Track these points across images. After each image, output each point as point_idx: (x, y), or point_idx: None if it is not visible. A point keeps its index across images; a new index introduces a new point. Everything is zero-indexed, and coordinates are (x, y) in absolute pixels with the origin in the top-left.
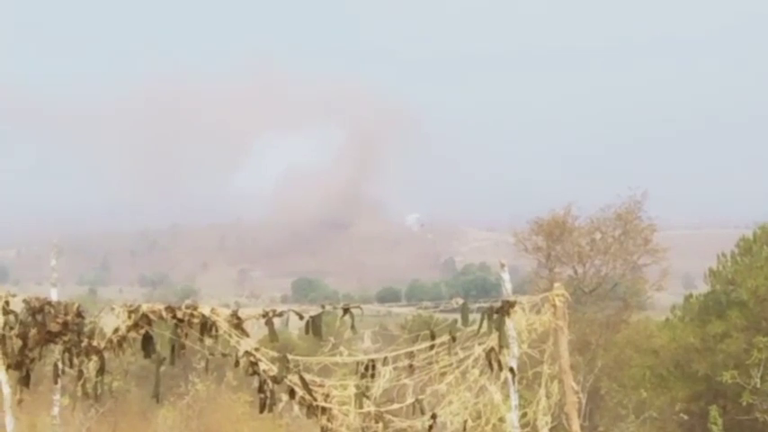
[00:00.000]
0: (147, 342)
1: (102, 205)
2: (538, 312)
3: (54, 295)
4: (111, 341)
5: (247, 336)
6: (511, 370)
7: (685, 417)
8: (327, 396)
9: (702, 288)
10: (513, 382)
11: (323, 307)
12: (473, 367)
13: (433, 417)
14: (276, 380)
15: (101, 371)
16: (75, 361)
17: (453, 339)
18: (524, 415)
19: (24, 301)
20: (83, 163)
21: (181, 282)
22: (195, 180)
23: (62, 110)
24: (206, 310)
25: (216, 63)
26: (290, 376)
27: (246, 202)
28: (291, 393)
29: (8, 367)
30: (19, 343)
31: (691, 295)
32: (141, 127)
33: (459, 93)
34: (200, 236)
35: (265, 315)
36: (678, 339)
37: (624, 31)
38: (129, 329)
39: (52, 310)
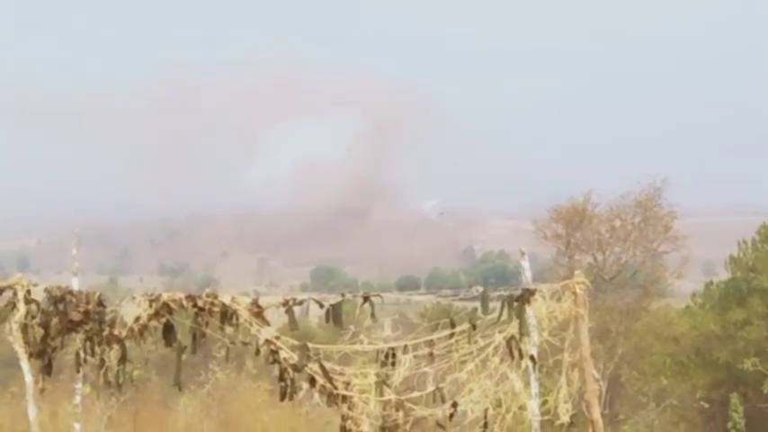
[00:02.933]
0: (168, 331)
1: (120, 195)
2: (558, 300)
3: (75, 284)
4: (132, 330)
5: (268, 324)
6: (531, 358)
7: (706, 404)
8: (348, 384)
9: (723, 275)
10: (534, 370)
11: (343, 295)
12: (493, 355)
13: (454, 405)
14: (297, 368)
15: (122, 359)
16: (97, 350)
17: (473, 327)
18: (545, 403)
19: (46, 290)
20: (101, 154)
21: (200, 271)
22: (213, 170)
23: (81, 102)
24: (226, 299)
25: (232, 53)
26: (310, 365)
27: (264, 192)
28: (312, 382)
29: (30, 356)
30: (41, 332)
31: (711, 282)
32: (159, 118)
33: (478, 79)
34: (219, 225)
35: (286, 303)
36: (699, 327)
37: (639, 16)
38: (150, 318)
39: (74, 299)
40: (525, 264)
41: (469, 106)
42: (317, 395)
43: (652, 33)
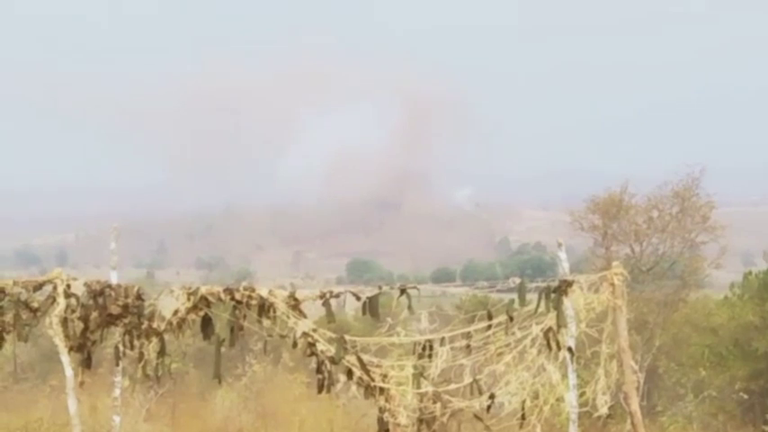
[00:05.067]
0: (207, 324)
1: (157, 190)
2: (596, 291)
3: (114, 278)
4: (170, 323)
5: (305, 317)
6: (569, 349)
7: (745, 395)
8: (385, 376)
9: (762, 265)
10: (572, 362)
11: (380, 288)
12: (531, 347)
13: (491, 397)
14: (334, 360)
15: (161, 353)
16: (136, 343)
17: (511, 319)
18: (583, 394)
19: (85, 284)
20: (136, 148)
21: (236, 264)
22: (248, 163)
23: (116, 96)
24: (264, 292)
25: (266, 45)
26: (347, 357)
27: (299, 184)
28: (349, 374)
29: (70, 349)
30: (80, 325)
31: (750, 273)
32: (194, 111)
33: (511, 69)
34: (255, 218)
35: (323, 296)
36: (737, 317)
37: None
38: (188, 311)
39: (113, 293)
40: (563, 255)
41: (505, 97)
42: (354, 387)
43: (684, 19)
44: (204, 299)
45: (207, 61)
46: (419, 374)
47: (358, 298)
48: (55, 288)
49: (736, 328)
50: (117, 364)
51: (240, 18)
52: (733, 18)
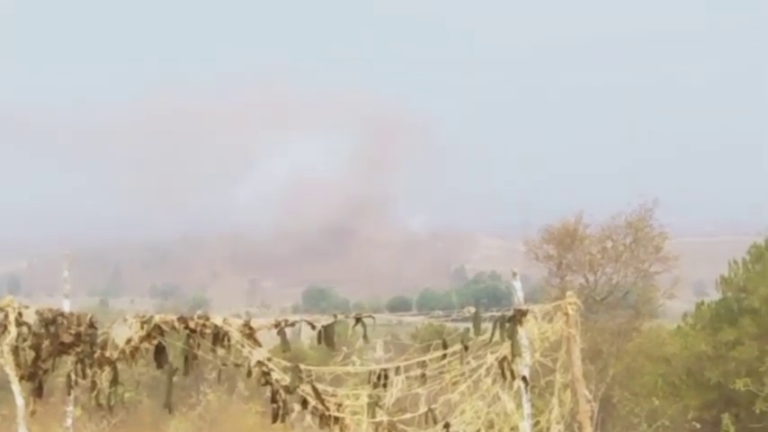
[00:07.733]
0: (160, 353)
1: (112, 217)
2: (550, 321)
3: (66, 306)
4: (123, 352)
5: (260, 346)
6: (523, 379)
7: (698, 425)
8: (340, 406)
9: (714, 296)
10: (526, 391)
11: (335, 316)
12: (486, 376)
13: (446, 426)
14: (289, 390)
15: (114, 382)
16: (88, 372)
17: (466, 348)
18: (537, 423)
19: (37, 312)
20: (92, 175)
21: (192, 292)
22: (204, 191)
23: (71, 123)
24: (218, 321)
25: (222, 73)
26: (302, 386)
27: (255, 212)
28: (304, 403)
29: (21, 378)
30: (32, 354)
31: (702, 303)
32: (150, 140)
33: (468, 98)
34: (211, 246)
35: (278, 325)
36: (690, 347)
37: (638, 27)
38: (141, 340)
39: (65, 322)
40: (517, 284)
41: (460, 126)
42: (308, 417)
43: (649, 45)
44: (158, 327)
45: (162, 87)
46: (374, 404)
47: (313, 327)
48: (6, 316)
49: (688, 358)
50: (69, 394)
51: (195, 44)
52: (698, 55)
